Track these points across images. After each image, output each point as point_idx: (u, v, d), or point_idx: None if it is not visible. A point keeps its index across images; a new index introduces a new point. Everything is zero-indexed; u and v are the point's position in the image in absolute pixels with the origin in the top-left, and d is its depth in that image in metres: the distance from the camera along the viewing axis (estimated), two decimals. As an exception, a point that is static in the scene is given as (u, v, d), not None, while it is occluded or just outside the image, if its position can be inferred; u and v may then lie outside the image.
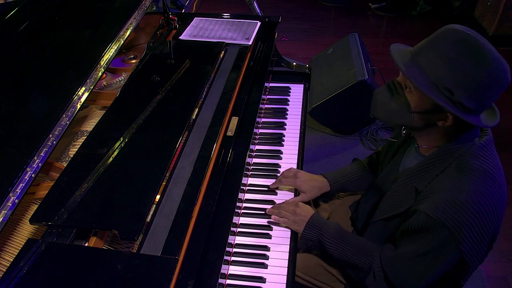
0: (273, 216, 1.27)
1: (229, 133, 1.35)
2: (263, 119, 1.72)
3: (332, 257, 1.24)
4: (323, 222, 1.25)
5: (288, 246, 1.22)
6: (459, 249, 1.01)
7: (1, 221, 0.93)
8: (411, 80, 1.03)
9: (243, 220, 1.29)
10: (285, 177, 1.40)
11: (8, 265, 0.91)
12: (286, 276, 1.14)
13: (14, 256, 0.93)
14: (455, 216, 0.99)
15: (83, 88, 1.28)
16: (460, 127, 1.07)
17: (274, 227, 1.27)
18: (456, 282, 1.14)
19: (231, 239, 1.16)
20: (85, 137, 1.23)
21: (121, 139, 1.21)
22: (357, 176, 1.48)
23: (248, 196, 1.37)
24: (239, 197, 1.23)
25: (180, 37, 1.77)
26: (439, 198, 1.03)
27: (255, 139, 1.59)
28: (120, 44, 1.50)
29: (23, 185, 1.00)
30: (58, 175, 1.11)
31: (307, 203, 1.39)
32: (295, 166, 1.49)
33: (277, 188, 1.41)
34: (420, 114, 1.07)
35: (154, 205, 1.06)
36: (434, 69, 1.00)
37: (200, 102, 1.42)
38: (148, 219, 1.03)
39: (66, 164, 1.15)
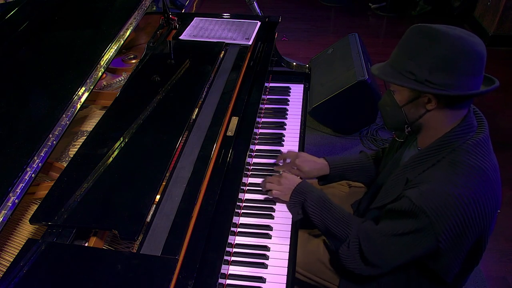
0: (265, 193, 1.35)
1: (229, 133, 1.35)
2: (263, 119, 1.72)
3: (314, 223, 1.28)
4: (308, 189, 1.29)
5: (288, 246, 1.22)
6: (436, 238, 1.03)
7: (1, 221, 0.93)
8: (376, 75, 1.13)
9: (243, 220, 1.29)
10: (287, 156, 1.46)
11: (8, 265, 0.91)
12: (286, 276, 1.14)
13: (14, 256, 0.93)
14: (438, 206, 1.00)
15: (83, 88, 1.28)
16: (451, 105, 1.08)
17: (274, 227, 1.27)
18: (439, 278, 1.15)
19: (231, 239, 1.16)
20: (85, 137, 1.23)
21: (121, 139, 1.21)
22: (359, 165, 1.51)
23: (248, 196, 1.37)
24: (239, 197, 1.23)
25: (180, 37, 1.77)
26: (426, 188, 1.04)
27: (255, 139, 1.60)
28: (120, 44, 1.50)
29: (23, 185, 1.00)
30: (58, 175, 1.11)
31: None
32: (295, 166, 1.49)
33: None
34: (407, 106, 1.12)
35: (154, 205, 1.06)
36: (397, 60, 1.09)
37: (200, 102, 1.42)
38: (148, 219, 1.03)
39: (66, 164, 1.15)
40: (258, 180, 1.43)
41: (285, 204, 1.34)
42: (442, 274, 1.13)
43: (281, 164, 1.48)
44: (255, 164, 1.50)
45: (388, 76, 1.10)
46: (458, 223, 1.01)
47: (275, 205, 1.34)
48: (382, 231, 1.13)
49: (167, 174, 1.14)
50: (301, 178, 1.42)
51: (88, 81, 1.31)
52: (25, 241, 0.96)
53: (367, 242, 1.15)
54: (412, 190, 1.07)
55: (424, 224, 1.03)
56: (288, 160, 1.48)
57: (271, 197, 1.34)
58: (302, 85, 1.93)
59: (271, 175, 1.45)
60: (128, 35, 1.56)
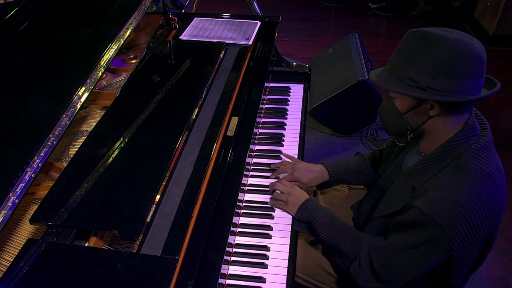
0: (270, 201, 1.34)
1: (229, 133, 1.35)
2: (263, 119, 1.72)
3: (322, 242, 1.26)
4: (315, 206, 1.28)
5: (288, 246, 1.22)
6: (449, 247, 1.01)
7: (1, 221, 0.93)
8: (376, 83, 1.11)
9: (243, 220, 1.29)
10: (283, 170, 1.44)
11: (8, 265, 0.91)
12: (286, 276, 1.14)
13: (14, 256, 0.93)
14: (448, 214, 1.00)
15: (83, 88, 1.28)
16: (454, 110, 1.07)
17: (274, 227, 1.27)
18: (447, 282, 1.14)
19: (231, 239, 1.16)
20: (85, 137, 1.23)
21: (121, 139, 1.21)
22: (358, 169, 1.50)
23: (248, 196, 1.37)
24: (239, 197, 1.23)
25: (180, 37, 1.77)
26: (434, 195, 1.03)
27: (255, 139, 1.59)
28: (120, 44, 1.50)
29: (23, 185, 1.00)
30: (58, 175, 1.11)
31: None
32: (295, 166, 1.49)
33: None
34: (409, 112, 1.11)
35: (154, 205, 1.06)
36: (396, 67, 1.07)
37: (200, 102, 1.42)
38: (148, 219, 1.03)
39: (66, 164, 1.15)
40: (258, 180, 1.43)
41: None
42: (453, 280, 1.12)
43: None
44: (255, 164, 1.50)
45: (389, 84, 1.08)
46: (469, 229, 1.00)
47: (275, 205, 1.35)
48: (394, 246, 1.11)
49: (167, 174, 1.14)
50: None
51: (88, 81, 1.31)
52: (25, 241, 0.96)
53: (379, 259, 1.13)
54: (420, 199, 1.06)
55: (436, 233, 1.01)
56: (284, 174, 1.45)
57: (275, 205, 1.33)
58: (302, 85, 1.93)
59: (269, 175, 1.45)
60: (128, 35, 1.56)
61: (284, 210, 1.32)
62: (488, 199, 1.01)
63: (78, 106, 1.24)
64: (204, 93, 1.46)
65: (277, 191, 1.35)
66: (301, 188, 1.40)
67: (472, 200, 0.99)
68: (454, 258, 1.04)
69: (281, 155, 1.53)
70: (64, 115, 1.18)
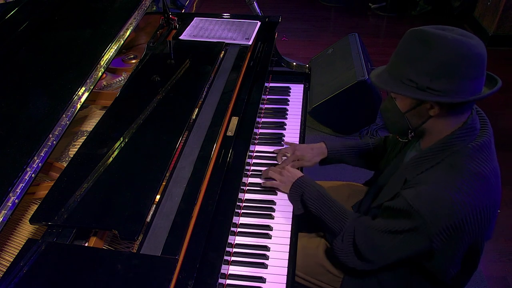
0: (263, 182, 1.41)
1: (229, 133, 1.35)
2: (263, 119, 1.72)
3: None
4: (308, 182, 1.33)
5: (288, 246, 1.22)
6: (430, 239, 1.02)
7: (1, 221, 0.93)
8: (376, 84, 1.11)
9: (243, 220, 1.29)
10: (285, 154, 1.51)
11: (8, 265, 0.91)
12: (286, 276, 1.14)
13: (14, 256, 0.93)
14: (434, 209, 1.00)
15: (83, 88, 1.28)
16: (454, 110, 1.07)
17: (274, 227, 1.27)
18: (435, 279, 1.15)
19: (231, 239, 1.16)
20: (85, 137, 1.23)
21: (121, 139, 1.21)
22: (358, 149, 1.54)
23: (248, 196, 1.38)
24: (239, 197, 1.23)
25: (180, 37, 1.77)
26: (422, 189, 1.04)
27: (255, 139, 1.60)
28: (120, 44, 1.50)
29: (23, 185, 1.00)
30: (58, 175, 1.11)
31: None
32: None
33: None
34: (410, 112, 1.11)
35: (154, 205, 1.06)
36: (396, 67, 1.08)
37: (200, 102, 1.42)
38: (148, 219, 1.03)
39: (66, 164, 1.15)
40: (258, 180, 1.43)
41: (285, 204, 1.34)
42: (437, 274, 1.13)
43: (283, 159, 1.51)
44: (255, 164, 1.50)
45: (389, 85, 1.08)
46: (453, 227, 1.00)
47: (275, 205, 1.35)
48: (377, 227, 1.14)
49: (167, 174, 1.14)
50: (305, 166, 1.48)
51: (88, 81, 1.31)
52: (25, 241, 0.96)
53: (362, 236, 1.16)
54: (408, 190, 1.07)
55: (418, 225, 1.03)
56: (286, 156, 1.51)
57: (270, 186, 1.37)
58: (302, 85, 1.93)
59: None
60: (128, 35, 1.56)
61: (280, 190, 1.38)
62: (477, 199, 1.00)
63: (78, 106, 1.24)
64: (204, 93, 1.46)
65: (270, 172, 1.40)
66: (305, 165, 1.47)
67: (460, 199, 0.99)
68: (434, 250, 1.04)
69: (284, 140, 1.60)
70: (64, 115, 1.18)
